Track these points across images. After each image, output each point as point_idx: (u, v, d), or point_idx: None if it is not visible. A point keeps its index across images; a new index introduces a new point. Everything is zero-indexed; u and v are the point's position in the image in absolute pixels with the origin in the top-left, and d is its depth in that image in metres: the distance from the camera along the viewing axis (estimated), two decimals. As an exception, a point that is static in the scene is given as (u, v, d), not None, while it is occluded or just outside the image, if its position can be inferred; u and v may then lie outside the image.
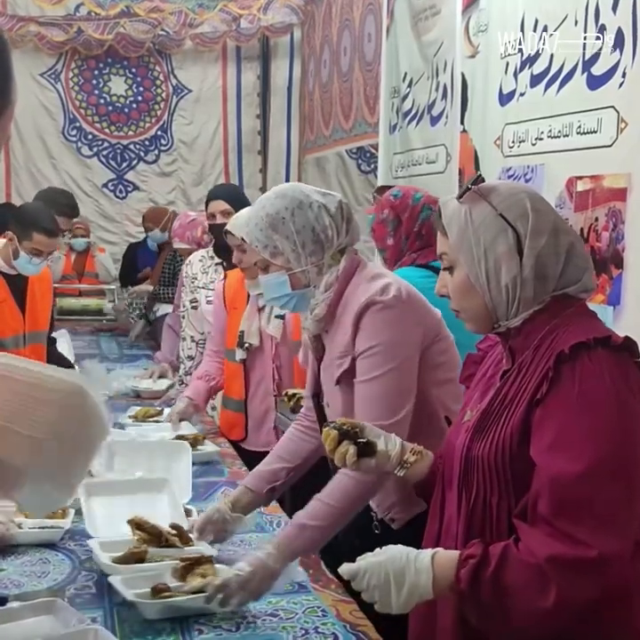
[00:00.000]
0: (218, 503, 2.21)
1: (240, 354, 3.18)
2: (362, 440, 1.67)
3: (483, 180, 1.55)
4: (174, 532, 2.08)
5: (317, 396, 2.22)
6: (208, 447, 3.06)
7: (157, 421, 3.39)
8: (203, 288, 3.96)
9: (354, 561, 1.51)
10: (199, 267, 4.02)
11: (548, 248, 1.48)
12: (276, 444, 2.35)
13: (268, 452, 2.35)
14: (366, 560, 1.46)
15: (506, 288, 1.49)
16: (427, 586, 1.41)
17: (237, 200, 3.91)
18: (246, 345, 3.14)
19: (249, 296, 3.20)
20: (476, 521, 1.51)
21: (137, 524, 2.06)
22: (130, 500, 2.29)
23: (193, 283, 4.00)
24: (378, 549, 1.48)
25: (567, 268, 1.50)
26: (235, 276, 3.32)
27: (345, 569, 1.48)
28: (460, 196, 1.54)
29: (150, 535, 2.05)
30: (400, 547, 1.47)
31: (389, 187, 3.17)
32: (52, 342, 3.86)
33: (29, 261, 3.45)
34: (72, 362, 4.02)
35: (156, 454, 2.64)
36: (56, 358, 3.77)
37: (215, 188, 4.24)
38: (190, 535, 2.11)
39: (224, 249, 3.89)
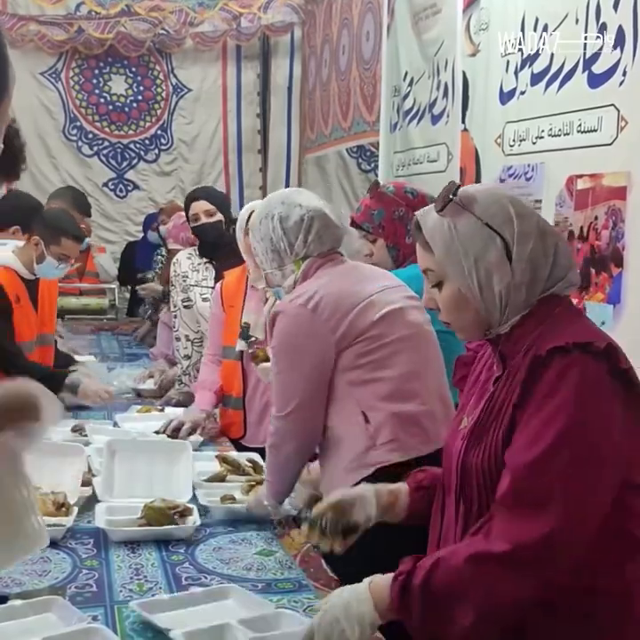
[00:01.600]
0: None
1: (241, 345, 3.19)
2: (343, 523, 1.68)
3: (457, 190, 1.52)
4: (250, 464, 2.77)
5: None
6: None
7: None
8: (196, 286, 3.95)
9: (351, 554, 1.61)
10: (188, 265, 3.99)
11: (537, 251, 1.49)
12: None
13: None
14: (313, 619, 1.52)
15: (499, 295, 1.48)
16: (371, 612, 1.45)
17: (218, 199, 3.93)
18: (252, 338, 3.15)
19: (246, 292, 3.24)
20: (471, 527, 1.50)
21: (223, 458, 2.77)
22: (149, 459, 2.60)
23: (184, 281, 3.99)
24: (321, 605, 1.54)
25: (554, 268, 1.50)
26: (232, 275, 3.33)
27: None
28: (440, 209, 1.50)
29: (232, 466, 2.73)
30: (337, 589, 1.54)
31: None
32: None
33: (56, 267, 3.47)
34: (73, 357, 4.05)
35: (156, 453, 2.65)
36: (58, 356, 3.81)
37: (195, 190, 4.24)
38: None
39: (210, 249, 3.89)
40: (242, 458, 2.84)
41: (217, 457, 2.82)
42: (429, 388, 2.22)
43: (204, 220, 3.81)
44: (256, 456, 2.84)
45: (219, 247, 3.78)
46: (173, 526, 2.27)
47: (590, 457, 1.36)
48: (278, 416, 2.25)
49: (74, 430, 3.18)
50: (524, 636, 1.42)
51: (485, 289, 1.49)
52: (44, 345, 3.63)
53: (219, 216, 3.80)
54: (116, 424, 3.35)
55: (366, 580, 1.49)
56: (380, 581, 1.47)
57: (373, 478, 1.96)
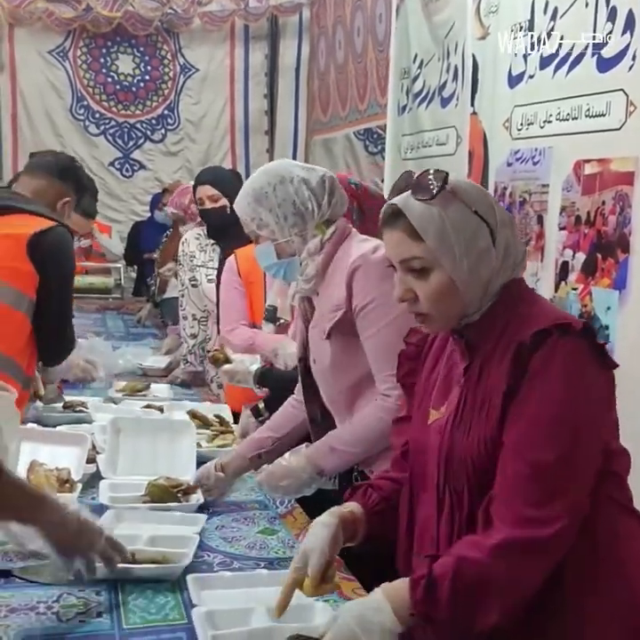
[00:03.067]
0: (209, 463, 2.43)
1: (269, 329, 3.17)
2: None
3: (448, 178, 1.50)
4: (217, 419, 3.08)
5: (305, 358, 2.33)
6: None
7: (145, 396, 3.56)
8: (202, 266, 3.96)
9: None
10: (196, 245, 4.01)
11: (510, 237, 1.52)
12: (273, 415, 2.54)
13: None
14: (326, 636, 1.42)
15: (485, 282, 1.49)
16: (393, 619, 1.38)
17: (225, 183, 3.87)
18: (281, 320, 3.14)
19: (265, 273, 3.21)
20: (461, 523, 1.50)
21: (193, 414, 3.04)
22: (153, 437, 2.60)
23: (191, 261, 4.00)
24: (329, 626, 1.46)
25: (519, 254, 1.55)
26: (246, 253, 3.30)
27: None
28: (431, 197, 1.48)
29: (201, 420, 3.01)
30: (343, 606, 1.47)
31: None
32: None
33: None
34: None
35: (160, 432, 2.65)
36: None
37: (202, 172, 4.16)
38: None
39: (217, 232, 3.89)
40: (210, 413, 3.12)
41: (187, 412, 3.05)
42: None
43: (208, 205, 3.80)
44: (224, 412, 3.14)
45: (223, 231, 3.78)
46: (176, 503, 2.28)
47: (590, 434, 1.41)
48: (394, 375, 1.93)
49: (65, 407, 3.19)
50: (543, 610, 1.43)
51: (474, 276, 1.48)
52: None
53: (223, 201, 3.76)
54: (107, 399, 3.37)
55: (377, 590, 1.42)
56: (395, 587, 1.41)
57: None
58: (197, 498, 2.33)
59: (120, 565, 1.81)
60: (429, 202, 1.48)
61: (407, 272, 1.52)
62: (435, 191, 1.47)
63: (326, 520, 1.62)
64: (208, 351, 3.09)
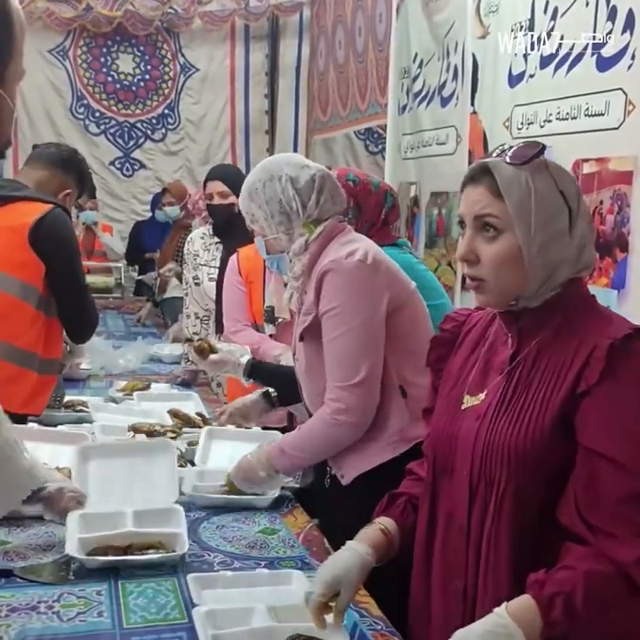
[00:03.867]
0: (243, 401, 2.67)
1: (270, 329, 3.18)
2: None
3: (544, 151, 1.48)
4: (199, 418, 3.05)
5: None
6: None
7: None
8: (204, 265, 3.96)
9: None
10: (200, 244, 4.02)
11: (587, 232, 1.49)
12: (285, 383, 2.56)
13: (280, 429, 2.67)
14: None
15: (550, 266, 1.46)
16: None
17: (236, 181, 3.88)
18: (280, 319, 3.15)
19: (265, 271, 3.21)
20: (504, 510, 1.47)
21: (174, 413, 3.02)
22: (128, 463, 2.27)
23: (195, 260, 4.01)
24: (325, 577, 1.46)
25: (590, 252, 1.51)
26: (247, 252, 3.30)
27: None
28: (524, 162, 1.46)
29: (183, 420, 2.98)
30: (465, 632, 1.36)
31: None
32: None
33: None
34: None
35: (135, 456, 2.32)
36: None
37: (214, 168, 4.20)
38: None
39: (223, 229, 3.89)
40: (191, 412, 3.10)
41: (168, 412, 3.03)
42: None
43: (217, 200, 3.81)
44: (206, 410, 3.17)
45: (230, 229, 3.79)
46: (254, 497, 2.34)
47: None
48: (345, 385, 2.08)
49: (66, 406, 3.20)
50: None
51: (542, 255, 1.45)
52: None
53: (232, 199, 3.78)
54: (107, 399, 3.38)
55: (500, 613, 1.35)
56: (521, 608, 1.34)
57: (411, 452, 1.97)
58: (274, 492, 2.37)
59: (121, 557, 1.92)
60: (520, 166, 1.46)
61: (478, 231, 1.49)
62: (528, 157, 1.46)
63: (360, 549, 1.62)
64: (190, 342, 3.03)
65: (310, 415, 2.29)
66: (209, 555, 2.06)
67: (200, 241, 4.02)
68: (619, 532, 1.33)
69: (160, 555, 1.96)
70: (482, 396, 1.55)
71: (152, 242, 6.14)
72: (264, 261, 3.18)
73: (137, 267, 6.67)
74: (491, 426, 1.50)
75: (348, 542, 1.65)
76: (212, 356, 2.74)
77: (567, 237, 1.46)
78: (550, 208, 1.46)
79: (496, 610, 1.36)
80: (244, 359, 2.75)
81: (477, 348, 1.62)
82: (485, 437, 1.50)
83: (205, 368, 2.92)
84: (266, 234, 2.25)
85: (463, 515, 1.53)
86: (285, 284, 3.12)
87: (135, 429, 2.78)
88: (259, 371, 2.76)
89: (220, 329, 3.54)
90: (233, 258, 3.37)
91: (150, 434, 2.75)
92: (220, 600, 1.76)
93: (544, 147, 1.48)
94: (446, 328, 1.71)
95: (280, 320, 3.16)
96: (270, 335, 3.19)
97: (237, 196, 3.76)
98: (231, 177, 3.90)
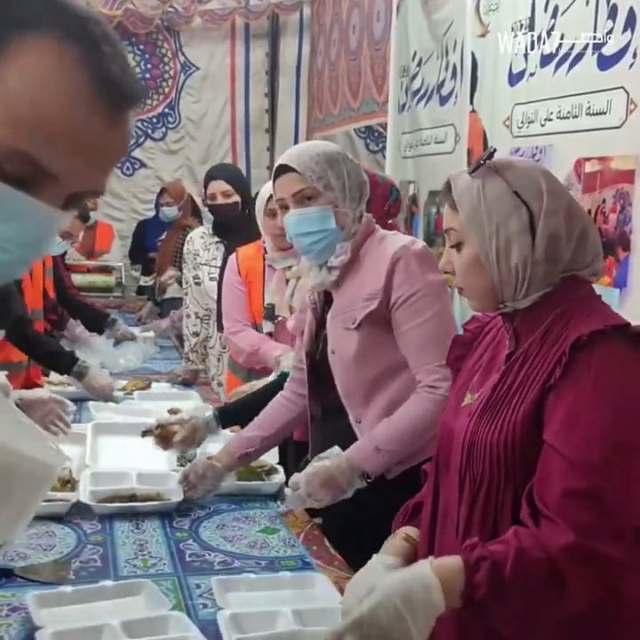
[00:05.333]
0: (197, 460, 2.40)
1: (268, 327, 3.17)
2: None
3: (493, 155, 1.51)
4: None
5: (312, 354, 2.31)
6: None
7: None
8: (205, 265, 3.96)
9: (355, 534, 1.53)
10: (200, 243, 4.02)
11: (561, 230, 1.46)
12: (261, 412, 2.46)
13: None
14: (358, 609, 1.31)
15: (515, 268, 1.46)
16: (440, 600, 1.30)
17: (237, 179, 3.91)
18: (279, 318, 3.14)
19: (264, 270, 3.20)
20: (478, 506, 1.49)
21: (174, 412, 2.82)
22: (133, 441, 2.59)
23: (195, 259, 4.01)
24: (359, 593, 1.37)
25: (578, 252, 1.48)
26: (249, 250, 3.30)
27: (334, 633, 1.31)
28: (472, 171, 1.50)
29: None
30: (387, 578, 1.36)
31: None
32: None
33: (58, 243, 3.48)
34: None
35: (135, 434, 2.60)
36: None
37: (214, 168, 4.19)
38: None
39: (223, 229, 3.90)
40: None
41: (169, 411, 2.97)
42: None
43: (220, 200, 3.81)
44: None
45: (232, 228, 3.79)
46: (261, 482, 2.49)
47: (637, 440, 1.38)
48: (440, 366, 1.98)
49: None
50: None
51: (502, 258, 1.47)
52: (38, 320, 3.66)
53: (235, 198, 3.78)
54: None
55: (424, 566, 1.34)
56: (447, 566, 1.33)
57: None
58: (280, 477, 2.49)
59: (124, 504, 2.25)
60: (472, 175, 1.49)
61: (451, 245, 1.55)
62: (475, 165, 1.49)
63: (390, 562, 1.57)
64: (148, 433, 2.60)
65: (323, 414, 2.28)
66: (209, 554, 2.06)
67: (200, 240, 4.03)
68: (559, 521, 1.33)
69: (160, 502, 2.28)
70: (478, 394, 1.57)
71: (156, 241, 6.14)
72: (264, 259, 3.19)
73: (140, 266, 6.66)
74: (476, 423, 1.52)
75: (374, 556, 1.60)
76: (176, 437, 2.50)
77: (526, 237, 1.46)
78: (503, 211, 1.47)
79: (421, 561, 1.37)
80: (209, 416, 2.55)
81: (489, 349, 1.63)
82: (470, 434, 1.52)
83: (177, 450, 2.59)
84: (338, 205, 2.19)
85: (454, 510, 1.55)
86: (286, 282, 3.12)
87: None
88: (229, 416, 2.61)
89: (220, 328, 3.54)
90: (232, 257, 3.36)
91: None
92: (244, 603, 1.76)
93: (492, 152, 1.50)
94: (469, 328, 1.72)
95: (280, 318, 3.15)
96: (269, 334, 3.19)
97: (240, 194, 3.80)
98: (234, 176, 3.91)
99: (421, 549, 1.64)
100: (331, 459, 2.07)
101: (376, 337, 2.15)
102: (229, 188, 3.79)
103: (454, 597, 1.32)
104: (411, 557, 1.61)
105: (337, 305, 2.22)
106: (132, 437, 2.60)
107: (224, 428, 2.61)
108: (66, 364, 3.28)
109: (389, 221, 2.86)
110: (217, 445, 2.54)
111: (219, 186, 3.82)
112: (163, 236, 5.79)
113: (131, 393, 3.51)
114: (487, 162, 1.49)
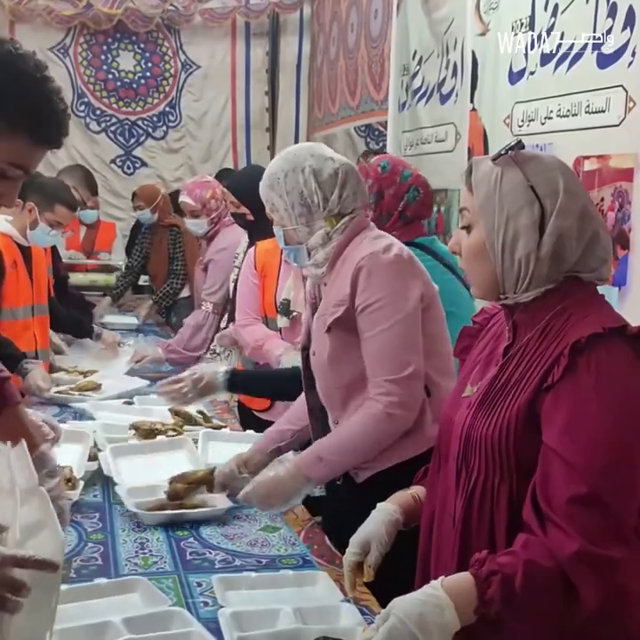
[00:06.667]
0: (230, 462, 2.36)
1: (284, 322, 3.16)
2: None
3: (523, 147, 1.51)
4: (200, 415, 3.02)
5: (307, 348, 2.30)
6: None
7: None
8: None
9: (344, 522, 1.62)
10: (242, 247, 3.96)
11: (572, 231, 1.46)
12: (291, 406, 2.48)
13: (263, 410, 2.49)
14: (374, 636, 1.33)
15: (519, 262, 1.47)
16: (454, 620, 1.31)
17: (241, 192, 3.67)
18: (294, 313, 3.13)
19: (280, 266, 3.19)
20: (475, 500, 1.50)
21: (175, 412, 2.95)
22: (150, 458, 2.57)
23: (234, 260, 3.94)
24: (376, 620, 1.37)
25: (586, 256, 1.48)
26: (267, 245, 3.25)
27: None
28: (495, 158, 1.50)
29: (184, 418, 2.94)
30: (399, 601, 1.35)
31: (377, 152, 3.04)
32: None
33: (48, 233, 3.50)
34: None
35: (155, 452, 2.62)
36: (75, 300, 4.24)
37: (223, 174, 4.10)
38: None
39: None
40: (193, 410, 3.00)
41: (169, 410, 2.97)
42: None
43: (232, 209, 3.78)
44: (207, 409, 3.12)
45: (249, 233, 3.73)
46: (206, 509, 2.28)
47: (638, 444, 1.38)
48: (396, 378, 2.02)
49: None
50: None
51: (507, 250, 1.47)
52: (41, 314, 3.66)
53: (243, 209, 3.68)
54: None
55: (435, 586, 1.35)
56: (457, 584, 1.34)
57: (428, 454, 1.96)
58: (225, 501, 2.30)
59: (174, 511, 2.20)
60: (494, 162, 1.50)
61: (462, 226, 1.55)
62: (498, 153, 1.50)
63: (388, 507, 1.70)
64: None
65: (320, 409, 2.27)
66: (210, 553, 2.06)
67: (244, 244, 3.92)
68: (567, 527, 1.33)
69: (207, 509, 2.25)
70: (477, 386, 1.58)
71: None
72: (281, 254, 3.18)
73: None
74: (473, 416, 1.53)
75: (378, 503, 1.72)
76: (183, 390, 2.65)
77: (534, 233, 1.46)
78: (515, 203, 1.47)
79: (432, 582, 1.37)
80: (220, 371, 2.65)
81: (491, 341, 1.64)
82: (467, 428, 1.53)
83: (180, 401, 2.74)
84: (285, 224, 2.21)
85: (451, 502, 1.56)
86: (304, 279, 3.11)
87: (136, 428, 2.78)
88: (239, 380, 2.69)
89: (232, 319, 3.55)
90: (250, 251, 3.36)
91: (151, 432, 2.75)
92: (245, 601, 1.77)
93: (518, 143, 1.50)
94: (477, 320, 1.73)
95: (294, 314, 3.14)
96: (281, 329, 3.17)
97: (247, 205, 3.69)
98: (236, 186, 3.73)
99: (422, 537, 1.66)
100: (284, 463, 2.10)
101: (347, 342, 2.13)
102: (235, 200, 3.74)
103: (468, 614, 1.33)
104: (413, 514, 1.71)
105: (320, 305, 2.23)
106: (151, 455, 2.59)
107: (230, 390, 2.68)
108: (12, 364, 3.21)
109: (411, 222, 2.77)
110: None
111: (228, 196, 3.80)
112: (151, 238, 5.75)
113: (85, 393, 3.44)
114: (509, 152, 1.49)
